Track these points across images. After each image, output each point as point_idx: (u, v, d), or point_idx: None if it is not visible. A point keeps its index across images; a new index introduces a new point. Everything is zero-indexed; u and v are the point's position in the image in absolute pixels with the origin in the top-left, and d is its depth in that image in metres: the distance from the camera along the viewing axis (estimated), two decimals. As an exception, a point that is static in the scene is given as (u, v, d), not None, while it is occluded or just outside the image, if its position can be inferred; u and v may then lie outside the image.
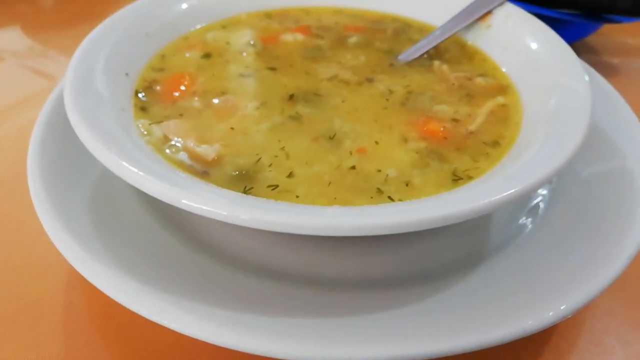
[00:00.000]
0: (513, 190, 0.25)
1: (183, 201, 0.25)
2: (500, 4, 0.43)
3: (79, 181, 0.33)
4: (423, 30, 0.46)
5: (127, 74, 0.37)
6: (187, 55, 0.42)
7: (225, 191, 0.27)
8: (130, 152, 0.28)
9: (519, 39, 0.41)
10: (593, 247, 0.29)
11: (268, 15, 0.48)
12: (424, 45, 0.43)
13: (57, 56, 0.66)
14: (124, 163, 0.26)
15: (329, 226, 0.23)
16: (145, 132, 0.33)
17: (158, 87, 0.38)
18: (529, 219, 0.33)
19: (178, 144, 0.32)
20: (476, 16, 0.43)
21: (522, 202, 0.34)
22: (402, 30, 0.47)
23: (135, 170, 0.26)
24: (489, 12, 0.43)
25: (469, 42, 0.44)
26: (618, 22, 0.53)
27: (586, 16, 0.53)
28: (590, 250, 0.28)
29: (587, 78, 0.34)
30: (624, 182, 0.33)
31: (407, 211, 0.25)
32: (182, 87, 0.38)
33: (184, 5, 0.45)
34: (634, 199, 0.32)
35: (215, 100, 0.37)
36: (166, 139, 0.33)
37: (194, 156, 0.31)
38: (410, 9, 0.48)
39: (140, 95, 0.37)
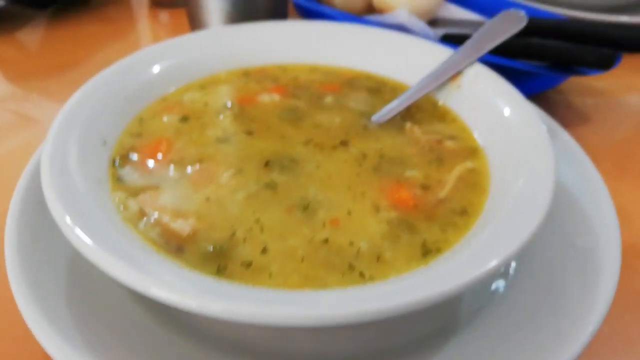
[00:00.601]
0: (479, 273, 0.26)
1: (152, 289, 0.25)
2: (470, 64, 0.45)
3: (57, 255, 0.33)
4: (396, 89, 0.48)
5: (105, 142, 0.38)
6: (165, 118, 0.42)
7: (197, 276, 0.28)
8: (104, 234, 0.28)
9: (487, 101, 0.42)
10: (556, 323, 0.30)
11: (246, 74, 0.49)
12: (397, 106, 0.44)
13: (39, 100, 0.66)
14: (95, 248, 0.27)
15: (299, 317, 0.24)
16: (122, 207, 0.33)
17: (135, 155, 0.38)
18: (499, 286, 0.34)
19: (154, 219, 0.33)
20: (447, 76, 0.45)
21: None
22: (376, 89, 0.48)
23: (106, 257, 0.26)
24: (459, 72, 0.45)
25: (440, 102, 0.46)
26: (584, 74, 0.55)
27: (554, 68, 0.55)
28: (553, 327, 0.29)
29: (551, 146, 0.36)
30: (587, 248, 0.35)
31: (375, 298, 0.25)
32: (160, 155, 0.38)
33: (163, 66, 0.46)
34: (597, 267, 0.33)
35: (192, 169, 0.37)
36: (142, 213, 0.33)
37: (169, 232, 0.32)
38: (383, 67, 0.50)
39: (117, 163, 0.37)
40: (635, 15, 0.77)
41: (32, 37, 0.76)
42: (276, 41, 0.51)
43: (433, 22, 0.70)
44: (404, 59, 0.49)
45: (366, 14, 0.72)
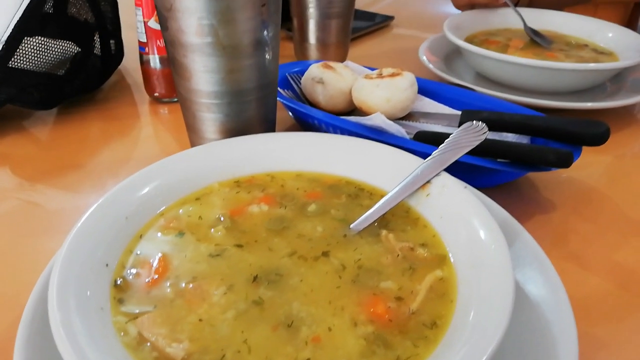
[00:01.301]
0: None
1: None
2: (437, 175, 0.50)
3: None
4: (373, 194, 0.53)
5: (107, 265, 0.42)
6: (163, 234, 0.47)
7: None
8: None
9: (453, 211, 0.47)
10: None
11: (238, 184, 0.54)
12: (373, 214, 0.48)
13: (45, 189, 0.71)
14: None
15: None
16: (122, 333, 0.37)
17: (135, 275, 0.42)
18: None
19: (151, 343, 0.36)
20: (417, 186, 0.50)
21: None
22: (355, 195, 0.53)
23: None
24: (428, 182, 0.50)
25: (413, 207, 0.50)
26: (545, 170, 0.60)
27: (516, 165, 0.60)
28: None
29: (510, 261, 0.39)
30: (547, 353, 0.38)
31: None
32: (157, 275, 0.42)
33: (161, 182, 0.51)
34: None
35: (187, 288, 0.41)
36: (140, 338, 0.36)
37: (164, 356, 0.35)
38: (361, 173, 0.55)
39: (118, 283, 0.41)
40: (599, 100, 0.84)
41: (39, 135, 0.82)
42: (264, 152, 0.56)
43: (409, 115, 0.76)
44: (379, 166, 0.54)
45: (348, 112, 0.79)
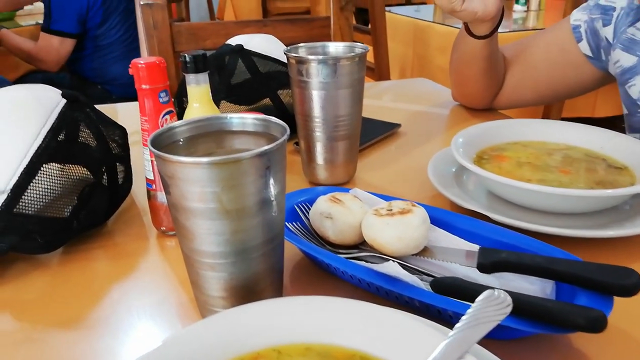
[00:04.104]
0: None
1: None
2: (461, 357, 0.45)
3: None
4: (390, 376, 0.48)
5: None
6: None
7: None
8: None
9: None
10: None
11: (241, 364, 0.50)
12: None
13: (44, 329, 0.68)
14: None
15: None
16: None
17: None
18: None
19: None
20: (439, 371, 0.45)
21: None
22: (371, 377, 0.48)
23: None
24: (452, 365, 0.45)
25: (436, 397, 0.45)
26: (571, 332, 0.55)
27: (538, 326, 0.55)
28: None
29: None
30: None
31: None
32: None
33: (159, 369, 0.47)
34: None
35: None
36: None
37: None
38: (377, 347, 0.50)
39: None
40: (617, 223, 0.80)
41: (43, 277, 0.79)
42: (270, 324, 0.52)
43: (423, 250, 0.73)
44: (396, 338, 0.50)
45: (359, 248, 0.76)
